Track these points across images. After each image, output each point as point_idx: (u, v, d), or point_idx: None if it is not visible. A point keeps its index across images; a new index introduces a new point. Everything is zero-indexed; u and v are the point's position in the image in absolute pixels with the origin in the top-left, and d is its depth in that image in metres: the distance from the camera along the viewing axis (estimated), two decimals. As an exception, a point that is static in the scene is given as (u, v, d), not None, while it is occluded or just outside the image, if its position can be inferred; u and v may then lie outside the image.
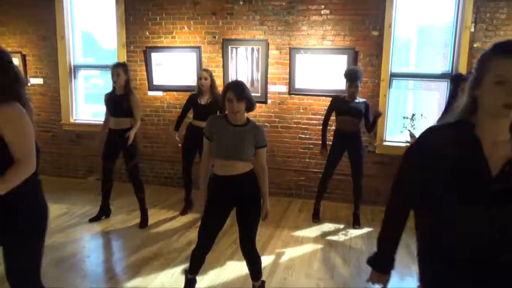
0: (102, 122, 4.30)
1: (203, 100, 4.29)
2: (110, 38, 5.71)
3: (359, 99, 4.13)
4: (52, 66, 5.72)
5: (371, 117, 4.14)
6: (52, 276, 2.91)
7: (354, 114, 4.11)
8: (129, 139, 3.88)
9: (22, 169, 1.72)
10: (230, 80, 5.01)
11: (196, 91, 4.36)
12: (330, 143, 4.39)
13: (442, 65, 4.73)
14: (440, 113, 4.74)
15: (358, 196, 4.27)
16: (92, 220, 4.19)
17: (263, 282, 2.73)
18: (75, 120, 5.86)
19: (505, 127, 1.24)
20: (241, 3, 4.96)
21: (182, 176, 4.59)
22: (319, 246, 3.71)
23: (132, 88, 4.11)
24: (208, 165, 2.60)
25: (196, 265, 2.62)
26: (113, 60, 5.49)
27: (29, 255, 1.83)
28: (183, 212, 4.48)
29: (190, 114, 4.54)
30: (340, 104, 4.15)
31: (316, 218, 4.38)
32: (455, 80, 2.57)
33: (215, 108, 4.04)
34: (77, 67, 5.77)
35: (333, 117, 4.35)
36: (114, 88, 4.01)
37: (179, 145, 4.53)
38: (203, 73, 4.30)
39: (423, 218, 1.37)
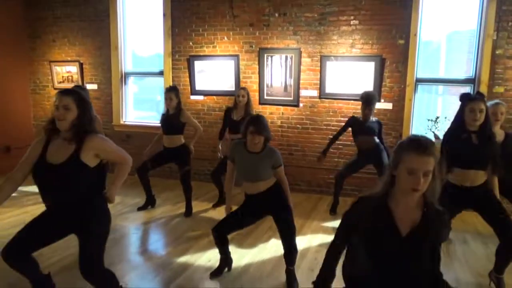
0: (147, 123, 4.88)
1: (236, 116, 4.71)
2: (154, 48, 6.33)
3: (373, 119, 4.51)
4: (105, 73, 6.39)
5: (384, 135, 4.59)
6: (114, 253, 3.45)
7: (370, 133, 4.47)
8: (191, 151, 4.58)
9: (125, 168, 2.44)
10: (265, 85, 5.50)
11: (232, 105, 4.81)
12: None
13: (466, 71, 5.00)
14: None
15: None
16: (140, 209, 4.75)
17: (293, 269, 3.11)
18: (124, 121, 6.50)
19: (415, 197, 1.64)
20: (276, 15, 5.44)
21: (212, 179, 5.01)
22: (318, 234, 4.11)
23: (182, 107, 4.64)
24: (231, 184, 3.13)
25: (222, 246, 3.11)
26: (157, 68, 6.15)
27: (97, 247, 2.32)
28: (216, 205, 4.96)
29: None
30: (357, 125, 4.52)
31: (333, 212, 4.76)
32: (461, 99, 2.84)
33: None
34: (127, 74, 6.42)
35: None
36: (167, 110, 4.56)
37: (220, 156, 4.96)
38: (241, 91, 4.72)
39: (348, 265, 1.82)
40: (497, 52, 4.67)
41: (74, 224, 2.29)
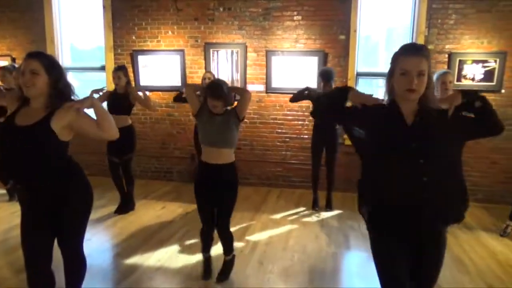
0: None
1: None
2: (95, 42, 6.06)
3: None
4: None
5: None
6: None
7: None
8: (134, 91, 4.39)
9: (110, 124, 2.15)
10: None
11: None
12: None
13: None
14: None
15: (330, 183, 4.78)
16: (119, 212, 4.52)
17: (234, 256, 3.09)
18: (64, 119, 6.18)
19: (413, 100, 1.69)
20: (221, 9, 5.41)
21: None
22: (294, 226, 4.21)
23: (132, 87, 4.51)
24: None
25: (206, 244, 3.04)
26: (99, 62, 5.92)
27: (79, 225, 2.21)
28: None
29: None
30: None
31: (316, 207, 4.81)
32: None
33: None
34: (66, 70, 6.08)
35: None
36: (115, 89, 4.40)
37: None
38: (207, 74, 4.70)
39: (362, 168, 1.85)
40: (428, 47, 4.98)
41: (55, 205, 2.11)
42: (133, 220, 4.33)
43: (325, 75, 4.53)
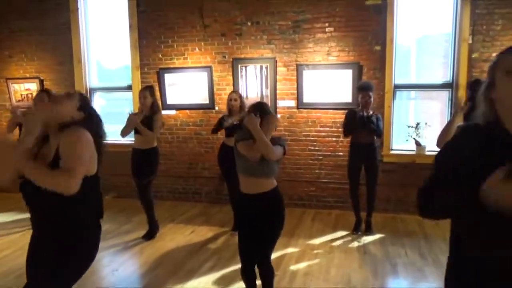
0: (119, 141, 4.59)
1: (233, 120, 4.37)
2: (122, 60, 5.99)
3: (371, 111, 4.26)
4: (69, 90, 5.96)
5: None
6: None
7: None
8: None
9: (61, 181, 1.72)
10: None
11: (227, 113, 4.49)
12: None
13: (442, 75, 4.94)
14: (443, 121, 4.96)
15: (371, 204, 4.42)
16: (146, 237, 4.28)
17: None
18: (91, 140, 6.09)
19: None
20: (249, 24, 5.23)
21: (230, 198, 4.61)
22: (335, 253, 3.87)
23: (158, 109, 4.33)
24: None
25: (251, 285, 2.68)
26: (125, 82, 5.83)
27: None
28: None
29: (221, 135, 4.72)
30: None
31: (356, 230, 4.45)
32: (473, 85, 2.69)
33: None
34: (93, 90, 6.04)
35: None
36: (141, 109, 4.25)
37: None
38: (232, 94, 4.44)
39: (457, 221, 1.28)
40: (473, 56, 4.63)
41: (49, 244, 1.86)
42: (161, 246, 4.10)
43: (364, 87, 4.22)
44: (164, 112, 5.65)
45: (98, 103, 6.17)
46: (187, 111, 5.62)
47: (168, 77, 5.57)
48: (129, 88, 5.82)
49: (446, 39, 4.88)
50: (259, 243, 2.62)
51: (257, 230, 2.57)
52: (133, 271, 3.64)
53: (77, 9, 5.79)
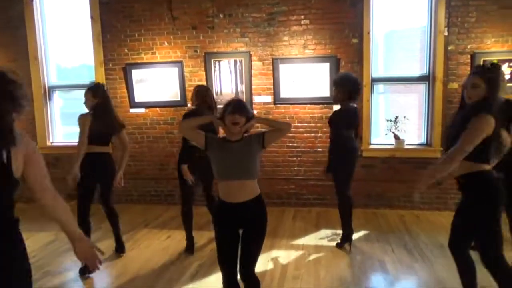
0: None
1: None
2: (81, 58, 5.57)
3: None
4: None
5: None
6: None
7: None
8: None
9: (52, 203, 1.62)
10: (214, 93, 5.01)
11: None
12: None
13: (419, 68, 4.91)
14: (421, 114, 4.94)
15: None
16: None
17: None
18: (51, 143, 5.64)
19: None
20: (221, 16, 4.98)
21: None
22: (321, 253, 3.72)
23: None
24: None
25: None
26: (90, 79, 5.40)
27: None
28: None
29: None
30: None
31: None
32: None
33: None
34: (52, 88, 5.57)
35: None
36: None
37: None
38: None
39: None
40: (449, 48, 4.63)
41: None
42: (136, 255, 3.80)
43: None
44: (132, 110, 5.35)
45: (58, 105, 5.71)
46: (157, 109, 5.29)
47: (135, 73, 5.22)
48: (92, 85, 5.40)
49: (422, 32, 4.86)
50: (247, 255, 2.40)
51: (245, 241, 2.37)
52: (107, 284, 3.32)
53: (32, 0, 5.31)
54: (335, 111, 3.80)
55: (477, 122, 2.25)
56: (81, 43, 5.49)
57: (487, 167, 2.33)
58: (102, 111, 3.49)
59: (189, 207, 3.81)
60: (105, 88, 3.67)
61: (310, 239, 4.09)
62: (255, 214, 2.38)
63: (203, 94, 3.79)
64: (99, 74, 5.30)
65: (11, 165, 1.44)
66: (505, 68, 4.52)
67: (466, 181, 2.39)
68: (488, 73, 2.33)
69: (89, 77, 5.46)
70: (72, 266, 3.55)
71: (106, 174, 3.62)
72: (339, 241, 3.85)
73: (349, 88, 3.58)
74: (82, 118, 3.47)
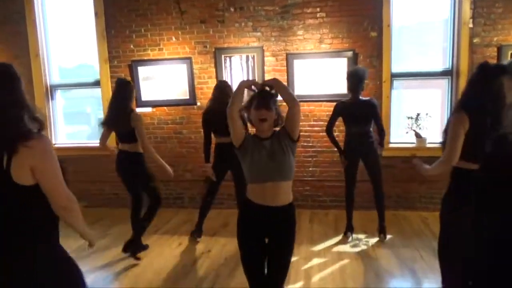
0: (84, 144, 3.98)
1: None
2: (89, 53, 5.31)
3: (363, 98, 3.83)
4: (26, 87, 5.23)
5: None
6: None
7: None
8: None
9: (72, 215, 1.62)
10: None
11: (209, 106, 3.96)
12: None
13: (442, 62, 4.66)
14: (444, 110, 4.69)
15: (380, 203, 3.95)
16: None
17: None
18: (55, 144, 5.39)
19: None
20: (232, 9, 4.73)
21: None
22: (345, 260, 3.49)
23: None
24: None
25: None
26: (94, 77, 5.18)
27: None
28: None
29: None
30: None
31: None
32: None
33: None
34: (54, 87, 5.33)
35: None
36: None
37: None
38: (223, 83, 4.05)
39: None
40: (474, 41, 4.37)
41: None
42: (148, 264, 3.56)
43: (355, 77, 3.71)
44: (139, 109, 5.07)
45: (60, 104, 5.47)
46: (165, 108, 5.05)
47: (142, 71, 4.97)
48: (96, 84, 5.17)
49: (445, 24, 4.60)
50: (277, 270, 2.17)
51: (275, 252, 2.15)
52: (117, 298, 3.10)
53: (33, -4, 5.06)
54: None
55: (450, 127, 2.28)
56: (84, 40, 5.24)
57: (473, 166, 2.12)
58: None
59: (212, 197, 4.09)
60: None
61: (331, 245, 3.85)
62: (287, 221, 2.16)
63: (222, 89, 3.76)
64: (104, 72, 5.05)
65: (10, 171, 1.39)
66: (534, 61, 4.26)
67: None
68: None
69: (92, 76, 5.24)
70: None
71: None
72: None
73: (349, 81, 3.75)
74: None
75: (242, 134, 2.13)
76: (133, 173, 3.57)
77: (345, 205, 4.07)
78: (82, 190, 4.93)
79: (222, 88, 3.86)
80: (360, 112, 3.77)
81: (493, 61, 4.34)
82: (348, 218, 4.05)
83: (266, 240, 2.17)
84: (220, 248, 3.87)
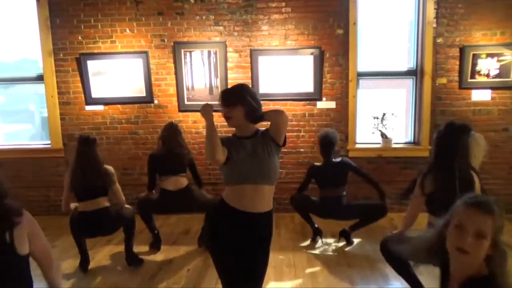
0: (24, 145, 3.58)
1: None
2: (29, 47, 4.79)
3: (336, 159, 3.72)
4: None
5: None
6: None
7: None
8: None
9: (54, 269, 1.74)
10: (185, 88, 4.53)
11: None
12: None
13: (407, 62, 4.64)
14: (408, 110, 4.67)
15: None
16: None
17: None
18: (-10, 146, 4.81)
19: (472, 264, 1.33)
20: (191, 1, 4.42)
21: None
22: (316, 267, 3.31)
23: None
24: None
25: None
26: (37, 72, 4.67)
27: None
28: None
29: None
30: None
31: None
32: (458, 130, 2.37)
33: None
34: (-10, 82, 4.74)
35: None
36: None
37: None
38: None
39: None
40: (438, 41, 4.37)
41: None
42: (99, 280, 3.18)
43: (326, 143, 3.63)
44: (88, 107, 4.67)
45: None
46: (119, 106, 4.64)
47: (92, 65, 4.53)
48: (39, 78, 4.65)
49: (410, 23, 4.58)
50: (255, 282, 1.95)
51: (253, 263, 1.95)
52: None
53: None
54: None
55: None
56: (26, 31, 4.70)
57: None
58: None
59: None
60: None
61: (300, 251, 3.67)
62: (266, 230, 2.01)
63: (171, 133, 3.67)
64: (48, 65, 4.55)
65: (14, 244, 1.52)
66: (493, 62, 4.33)
67: None
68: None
69: (35, 70, 4.72)
70: None
71: None
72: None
73: (321, 146, 3.67)
74: None
75: (224, 151, 1.90)
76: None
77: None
78: (23, 196, 4.42)
79: (171, 132, 3.68)
80: (333, 175, 3.64)
81: (456, 61, 4.37)
82: (309, 223, 3.90)
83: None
84: (182, 258, 3.56)
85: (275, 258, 3.49)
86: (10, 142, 4.92)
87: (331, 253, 3.62)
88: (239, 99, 1.98)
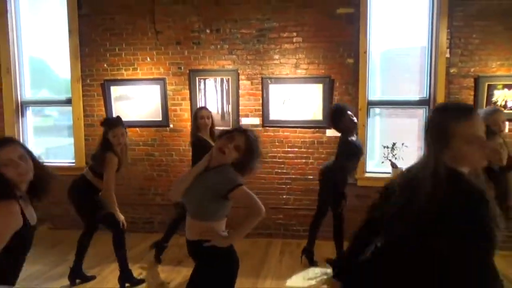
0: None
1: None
2: (63, 69, 5.20)
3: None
4: (-4, 103, 5.10)
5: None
6: None
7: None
8: None
9: None
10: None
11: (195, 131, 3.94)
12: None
13: (419, 91, 4.58)
14: (420, 140, 4.57)
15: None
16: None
17: None
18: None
19: None
20: (207, 31, 4.65)
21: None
22: (309, 298, 3.31)
23: None
24: None
25: None
26: (67, 95, 5.04)
27: None
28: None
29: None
30: None
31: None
32: None
33: None
34: (25, 104, 5.18)
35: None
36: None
37: None
38: (204, 112, 3.95)
39: None
40: (451, 71, 4.30)
41: None
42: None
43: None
44: (110, 130, 4.94)
45: (31, 122, 5.30)
46: (137, 129, 4.91)
47: (114, 90, 4.85)
48: (68, 102, 5.03)
49: (422, 53, 4.54)
50: None
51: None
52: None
53: (6, 11, 4.96)
54: None
55: None
56: (58, 57, 5.13)
57: None
58: None
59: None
60: None
61: (301, 281, 3.66)
62: (196, 257, 2.13)
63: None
64: (76, 89, 4.93)
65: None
66: (510, 94, 4.19)
67: None
68: None
69: (64, 93, 5.12)
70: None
71: None
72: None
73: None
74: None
75: None
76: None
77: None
78: (48, 210, 4.76)
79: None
80: None
81: (470, 92, 4.27)
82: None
83: None
84: (181, 279, 3.66)
85: (271, 285, 3.52)
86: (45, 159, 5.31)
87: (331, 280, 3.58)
88: (245, 144, 2.05)
